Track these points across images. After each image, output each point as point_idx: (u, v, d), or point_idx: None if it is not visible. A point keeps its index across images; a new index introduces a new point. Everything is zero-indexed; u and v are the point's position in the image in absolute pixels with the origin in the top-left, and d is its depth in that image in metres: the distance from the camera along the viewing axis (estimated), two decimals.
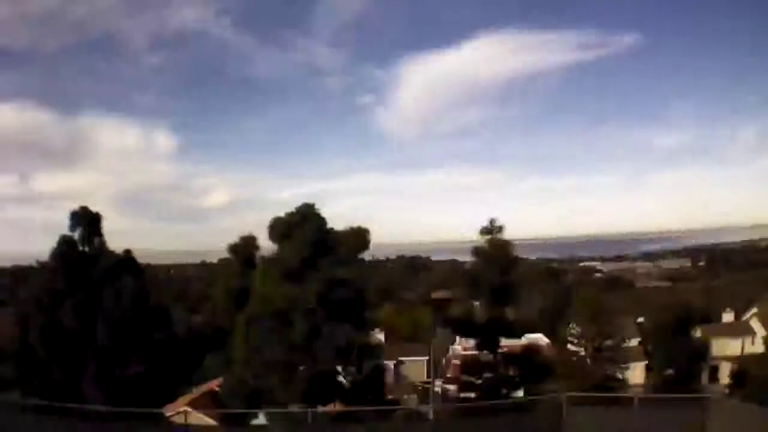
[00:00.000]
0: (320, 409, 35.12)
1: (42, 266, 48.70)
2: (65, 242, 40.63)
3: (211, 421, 47.47)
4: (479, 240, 58.17)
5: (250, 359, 37.19)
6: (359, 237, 40.72)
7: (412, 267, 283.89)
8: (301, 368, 37.92)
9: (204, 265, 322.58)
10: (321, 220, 40.05)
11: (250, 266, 41.57)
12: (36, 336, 37.88)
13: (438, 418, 32.89)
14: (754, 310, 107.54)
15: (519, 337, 65.97)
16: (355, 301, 40.67)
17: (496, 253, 56.81)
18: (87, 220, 41.07)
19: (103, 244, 41.37)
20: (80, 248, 41.14)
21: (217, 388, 57.66)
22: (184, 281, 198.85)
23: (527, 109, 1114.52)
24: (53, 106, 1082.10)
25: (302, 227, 38.88)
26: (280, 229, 39.57)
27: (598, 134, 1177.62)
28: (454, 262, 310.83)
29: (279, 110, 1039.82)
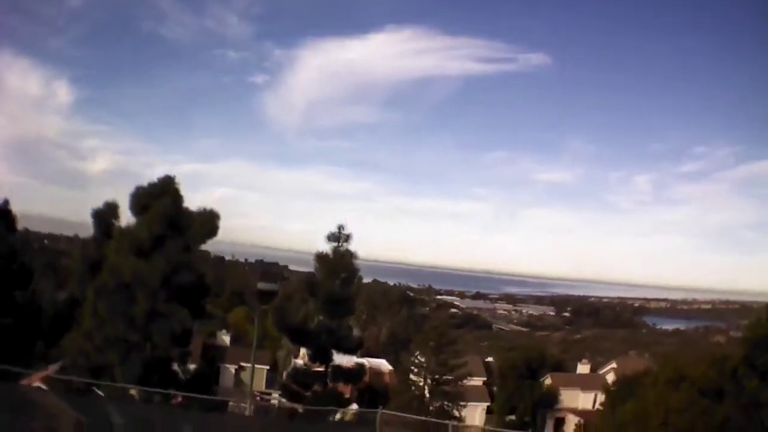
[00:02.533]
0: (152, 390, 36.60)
1: None
2: None
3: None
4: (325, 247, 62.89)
5: (93, 332, 40.31)
6: (209, 221, 44.15)
7: (269, 273, 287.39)
8: (138, 349, 41.12)
9: (77, 240, 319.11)
10: (178, 197, 43.26)
11: (109, 236, 43.87)
12: None
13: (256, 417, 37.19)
14: (613, 364, 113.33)
15: (354, 352, 69.82)
16: (197, 288, 44.71)
17: (338, 262, 61.71)
18: None
19: None
20: None
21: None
22: (55, 254, 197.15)
23: (414, 116, 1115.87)
24: None
25: (160, 201, 41.92)
26: (140, 199, 42.71)
27: (480, 157, 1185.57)
28: (311, 274, 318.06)
29: (176, 77, 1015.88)
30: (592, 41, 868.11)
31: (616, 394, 60.47)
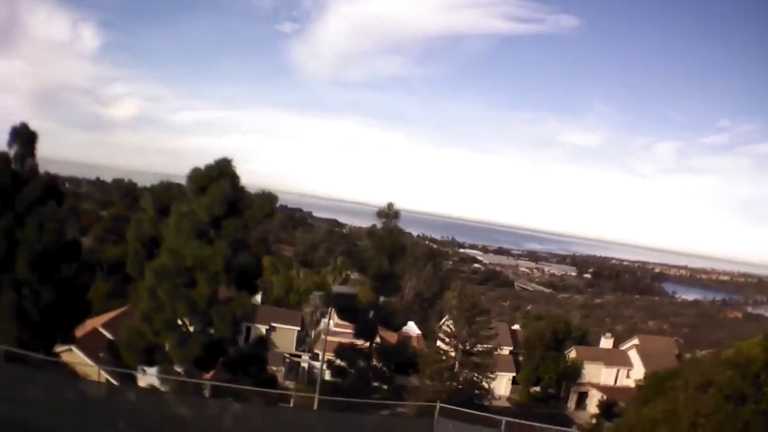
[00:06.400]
0: (210, 382, 37.72)
1: None
2: (0, 159, 41.16)
3: (89, 361, 51.90)
4: (375, 219, 62.69)
5: (152, 314, 40.19)
6: (268, 202, 43.98)
7: (292, 220, 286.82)
8: (198, 332, 41.39)
9: (99, 183, 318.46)
10: (236, 178, 42.82)
11: (165, 214, 43.83)
12: None
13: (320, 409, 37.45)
14: (635, 341, 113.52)
15: (397, 330, 70.38)
16: (254, 270, 44.70)
17: (388, 239, 61.55)
18: (24, 138, 41.90)
19: (35, 166, 42.08)
20: (14, 168, 41.93)
21: (101, 328, 62.43)
22: (77, 197, 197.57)
23: (444, 72, 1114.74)
24: None
25: (218, 183, 41.62)
26: (198, 181, 42.35)
27: (508, 116, 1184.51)
28: (334, 222, 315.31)
29: (205, 23, 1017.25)
30: (620, 6, 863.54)
31: (647, 390, 60.63)
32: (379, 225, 63.93)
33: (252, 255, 43.86)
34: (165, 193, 46.28)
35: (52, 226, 40.52)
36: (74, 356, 53.21)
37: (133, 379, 42.17)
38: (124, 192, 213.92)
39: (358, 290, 60.75)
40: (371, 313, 61.25)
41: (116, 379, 40.75)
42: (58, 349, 48.12)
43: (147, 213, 46.38)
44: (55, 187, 44.09)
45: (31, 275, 40.19)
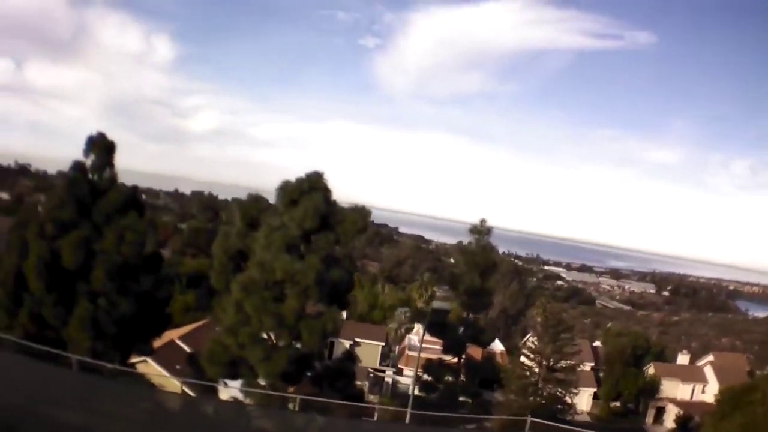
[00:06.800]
0: (298, 396, 34.01)
1: (51, 191, 48.47)
2: (78, 169, 38.94)
3: (165, 373, 50.79)
4: (466, 236, 60.81)
5: (238, 327, 38.39)
6: (361, 217, 42.05)
7: (378, 236, 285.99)
8: (285, 346, 39.37)
9: (177, 195, 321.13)
10: (328, 192, 41.09)
11: (253, 228, 42.03)
12: (33, 266, 37.69)
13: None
14: (710, 357, 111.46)
15: (485, 346, 68.57)
16: (346, 284, 42.72)
17: (481, 255, 59.22)
18: (102, 148, 40.46)
19: (113, 176, 40.84)
20: (91, 177, 40.55)
21: (178, 340, 60.62)
22: (155, 209, 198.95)
23: (526, 88, 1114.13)
24: None
25: (310, 196, 39.90)
26: (289, 194, 40.68)
27: (589, 133, 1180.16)
28: (420, 238, 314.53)
29: (283, 36, 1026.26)
30: (696, 22, 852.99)
31: (724, 405, 58.61)
32: (470, 241, 62.55)
33: (344, 270, 41.73)
34: (253, 206, 43.81)
35: (133, 238, 38.62)
36: (149, 367, 52.18)
37: (214, 392, 40.14)
38: (205, 205, 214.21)
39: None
40: (461, 329, 59.27)
41: (195, 391, 38.87)
42: (133, 360, 46.63)
43: (235, 226, 44.04)
44: (135, 199, 42.57)
45: (109, 286, 38.02)
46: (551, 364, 77.65)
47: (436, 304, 33.56)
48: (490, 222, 61.67)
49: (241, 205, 44.49)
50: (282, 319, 37.84)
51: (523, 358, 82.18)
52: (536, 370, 77.78)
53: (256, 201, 44.18)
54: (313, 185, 40.83)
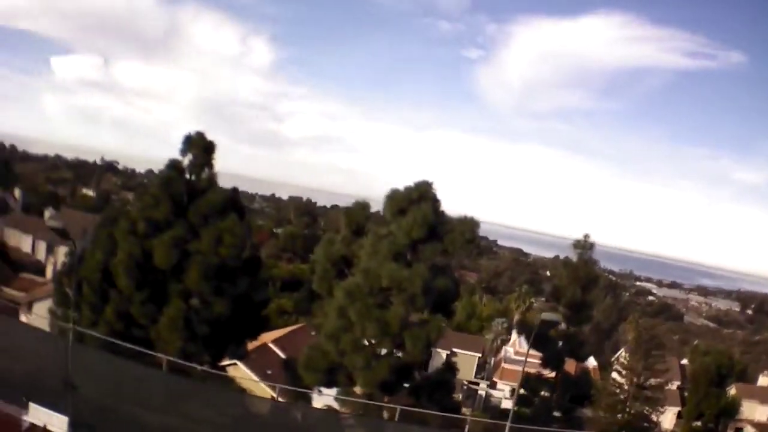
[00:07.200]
0: (396, 406, 33.02)
1: (144, 189, 47.29)
2: (173, 168, 38.02)
3: (254, 377, 49.76)
4: (568, 250, 58.99)
5: (339, 333, 36.71)
6: (469, 228, 39.70)
7: (477, 247, 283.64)
8: (387, 354, 37.65)
9: (273, 199, 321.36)
10: (437, 202, 39.18)
11: (358, 235, 40.76)
12: (122, 263, 36.24)
13: None
14: None
15: (583, 361, 66.46)
16: (452, 293, 41.03)
17: (583, 269, 57.30)
18: (200, 147, 38.79)
19: (213, 176, 39.15)
20: (188, 177, 38.96)
21: (271, 344, 58.70)
22: (249, 213, 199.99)
23: (626, 105, 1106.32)
24: None
25: (419, 206, 37.95)
26: (398, 203, 38.79)
27: (686, 150, 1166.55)
28: (519, 251, 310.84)
29: (384, 43, 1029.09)
30: None
31: None
32: (572, 255, 61.73)
33: (449, 279, 40.13)
34: (359, 214, 42.17)
35: (232, 240, 37.18)
36: (239, 371, 50.74)
37: (306, 399, 39.48)
38: (302, 210, 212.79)
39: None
40: (560, 343, 56.79)
41: (286, 397, 38.48)
42: (224, 362, 45.43)
43: (340, 232, 42.52)
44: (235, 201, 41.71)
45: (204, 287, 36.84)
46: (641, 381, 74.43)
47: (546, 315, 31.07)
48: (591, 238, 60.37)
49: (347, 212, 43.12)
50: (386, 326, 35.98)
51: (614, 374, 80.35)
52: (626, 387, 74.84)
53: (362, 208, 42.60)
54: (422, 195, 38.91)
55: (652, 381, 74.50)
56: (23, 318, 56.24)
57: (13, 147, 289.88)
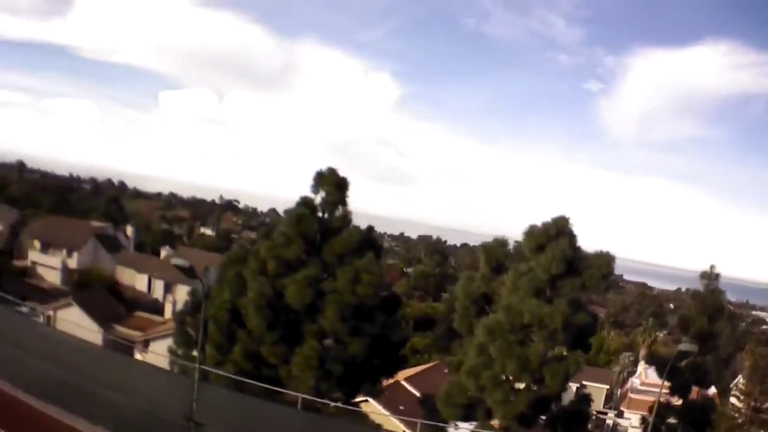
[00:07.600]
0: None
1: (274, 227, 47.52)
2: (305, 205, 38.26)
3: (385, 412, 50.20)
4: (695, 280, 58.79)
5: (480, 370, 36.92)
6: (605, 263, 39.94)
7: (604, 282, 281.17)
8: (526, 388, 37.78)
9: (402, 238, 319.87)
10: (574, 237, 39.28)
11: (497, 272, 40.98)
12: (253, 303, 36.38)
13: None
14: None
15: (708, 388, 66.25)
16: (590, 328, 41.27)
17: (710, 299, 57.07)
18: (333, 184, 38.92)
19: (347, 214, 39.19)
20: (320, 215, 39.14)
21: (404, 382, 59.34)
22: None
23: (734, 133, 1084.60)
24: (270, 25, 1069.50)
25: (557, 241, 38.27)
26: (536, 239, 39.08)
27: None
28: (643, 285, 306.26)
29: (508, 79, 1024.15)
30: None
31: None
32: (698, 286, 60.95)
33: (588, 314, 40.51)
34: (498, 251, 42.34)
35: (369, 279, 36.97)
36: (370, 406, 50.59)
37: None
38: (432, 249, 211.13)
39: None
40: (687, 373, 56.70)
41: None
42: (356, 399, 45.44)
43: (479, 270, 42.68)
44: (372, 239, 41.64)
45: (340, 327, 37.01)
46: (758, 405, 73.49)
47: (683, 346, 31.20)
48: (703, 267, 60.32)
49: (485, 249, 42.99)
50: (526, 362, 36.09)
51: (732, 399, 79.68)
52: (743, 411, 74.10)
53: (500, 245, 42.77)
54: (560, 230, 39.10)
55: None
56: (138, 356, 56.80)
57: (122, 184, 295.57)
